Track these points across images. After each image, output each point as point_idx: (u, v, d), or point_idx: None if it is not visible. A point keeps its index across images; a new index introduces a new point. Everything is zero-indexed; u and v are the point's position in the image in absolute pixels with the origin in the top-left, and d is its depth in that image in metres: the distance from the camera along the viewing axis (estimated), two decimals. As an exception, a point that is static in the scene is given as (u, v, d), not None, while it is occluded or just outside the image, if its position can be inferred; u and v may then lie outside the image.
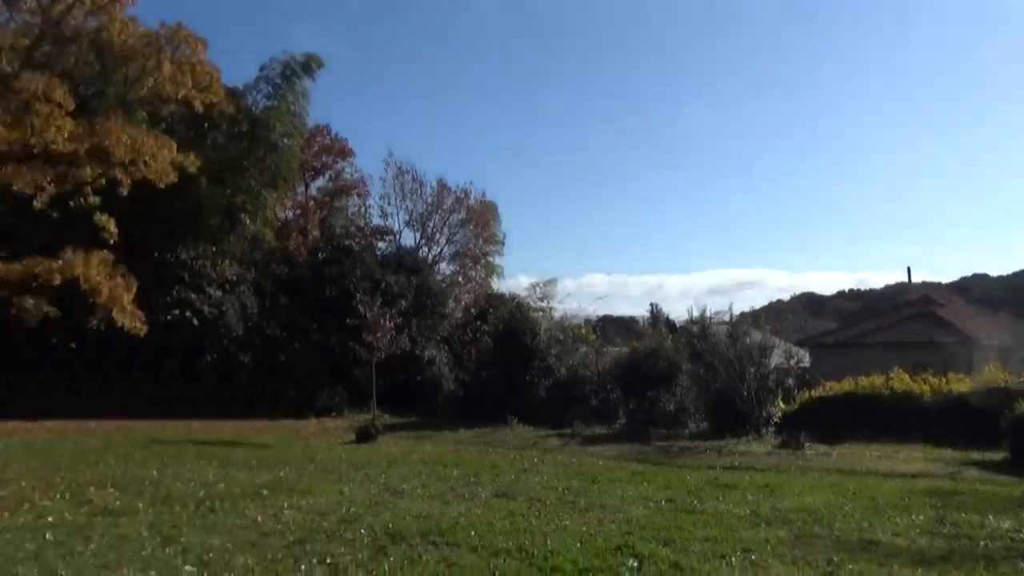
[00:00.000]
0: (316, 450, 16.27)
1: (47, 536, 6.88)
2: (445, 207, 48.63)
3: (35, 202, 22.92)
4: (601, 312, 46.83)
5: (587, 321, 38.71)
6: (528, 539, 7.33)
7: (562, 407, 27.23)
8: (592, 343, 32.35)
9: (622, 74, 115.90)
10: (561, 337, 31.80)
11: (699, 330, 26.24)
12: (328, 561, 6.35)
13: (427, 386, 33.16)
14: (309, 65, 33.45)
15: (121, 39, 27.47)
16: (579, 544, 7.17)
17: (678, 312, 52.43)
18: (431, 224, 48.76)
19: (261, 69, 33.00)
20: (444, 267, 49.72)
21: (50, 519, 7.64)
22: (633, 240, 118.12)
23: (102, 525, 7.45)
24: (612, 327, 47.70)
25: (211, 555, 6.37)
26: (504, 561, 6.47)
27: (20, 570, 5.73)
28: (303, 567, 6.13)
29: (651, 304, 42.23)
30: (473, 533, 7.54)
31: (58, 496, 9.02)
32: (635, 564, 6.40)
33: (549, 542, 7.21)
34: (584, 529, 8.02)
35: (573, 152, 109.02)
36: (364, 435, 20.26)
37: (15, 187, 22.35)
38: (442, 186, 48.34)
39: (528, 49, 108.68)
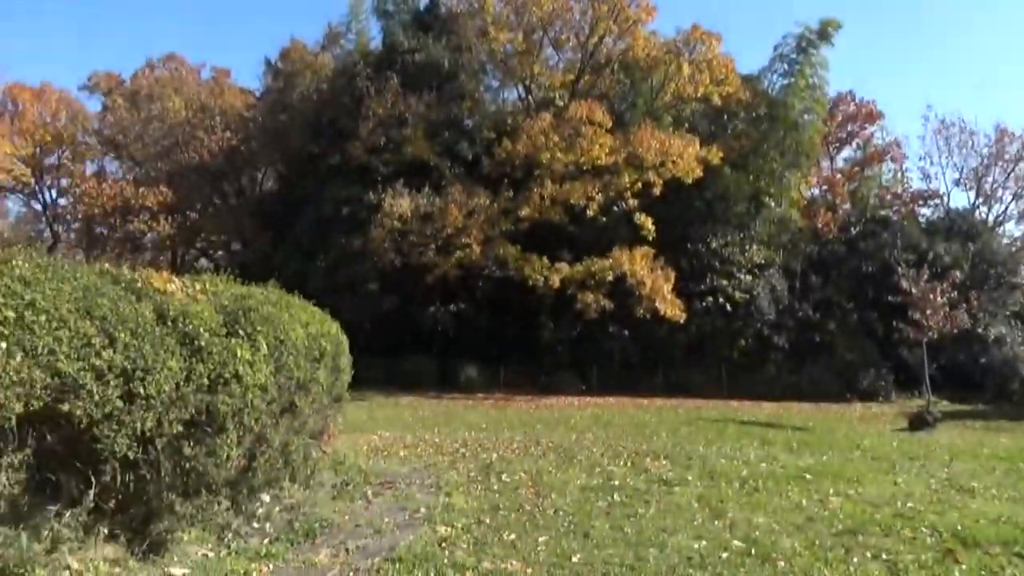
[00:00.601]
0: (861, 436, 15.18)
1: (615, 497, 7.80)
2: (1007, 157, 40.93)
3: (588, 211, 26.76)
4: None
5: None
6: None
7: None
8: None
9: None
10: None
11: None
12: (884, 557, 5.77)
13: (995, 369, 28.36)
14: (825, 31, 31.66)
15: (645, 53, 30.32)
16: None
17: None
18: (989, 180, 41.66)
19: (775, 49, 32.68)
20: (1012, 228, 42.02)
21: (617, 482, 8.65)
22: None
23: (658, 492, 8.13)
24: None
25: (757, 533, 6.38)
26: None
27: (596, 523, 6.61)
28: (855, 559, 5.69)
29: None
30: (1081, 550, 6.02)
31: (621, 463, 10.20)
32: None
33: None
34: None
35: None
36: (918, 422, 18.18)
37: (572, 200, 26.48)
38: (1002, 132, 40.87)
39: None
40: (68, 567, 4.27)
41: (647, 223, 26.82)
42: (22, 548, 3.97)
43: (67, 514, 4.27)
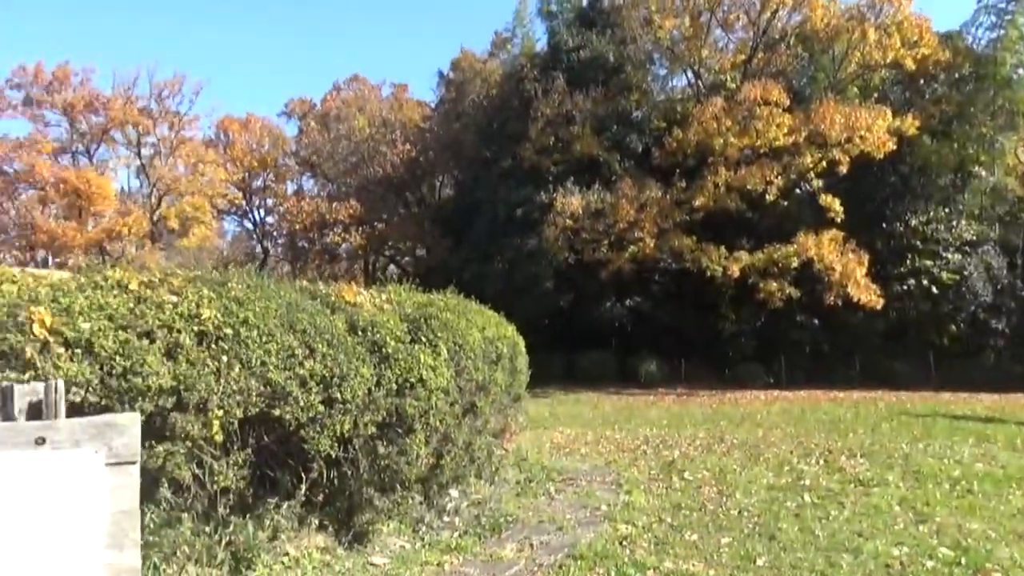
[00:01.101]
0: (1109, 432, 13.27)
1: (805, 497, 7.42)
2: None
3: (766, 196, 25.55)
4: None
5: None
6: None
7: None
8: None
9: None
10: None
11: None
12: None
13: None
14: (1045, -30, 28.07)
15: (824, 23, 28.38)
16: None
17: None
18: None
19: (978, 0, 29.37)
20: None
21: (807, 482, 8.23)
22: None
23: (854, 493, 7.63)
24: None
25: (969, 541, 5.83)
26: None
27: (783, 525, 6.34)
28: (1093, 574, 5.04)
29: None
30: None
31: (813, 461, 9.66)
32: None
33: None
34: None
35: None
36: None
37: (749, 186, 25.38)
38: None
39: None
40: (287, 553, 4.80)
41: (834, 204, 25.12)
42: (249, 535, 4.52)
43: (284, 506, 4.80)
